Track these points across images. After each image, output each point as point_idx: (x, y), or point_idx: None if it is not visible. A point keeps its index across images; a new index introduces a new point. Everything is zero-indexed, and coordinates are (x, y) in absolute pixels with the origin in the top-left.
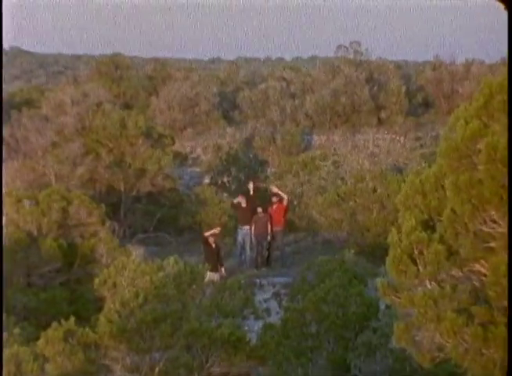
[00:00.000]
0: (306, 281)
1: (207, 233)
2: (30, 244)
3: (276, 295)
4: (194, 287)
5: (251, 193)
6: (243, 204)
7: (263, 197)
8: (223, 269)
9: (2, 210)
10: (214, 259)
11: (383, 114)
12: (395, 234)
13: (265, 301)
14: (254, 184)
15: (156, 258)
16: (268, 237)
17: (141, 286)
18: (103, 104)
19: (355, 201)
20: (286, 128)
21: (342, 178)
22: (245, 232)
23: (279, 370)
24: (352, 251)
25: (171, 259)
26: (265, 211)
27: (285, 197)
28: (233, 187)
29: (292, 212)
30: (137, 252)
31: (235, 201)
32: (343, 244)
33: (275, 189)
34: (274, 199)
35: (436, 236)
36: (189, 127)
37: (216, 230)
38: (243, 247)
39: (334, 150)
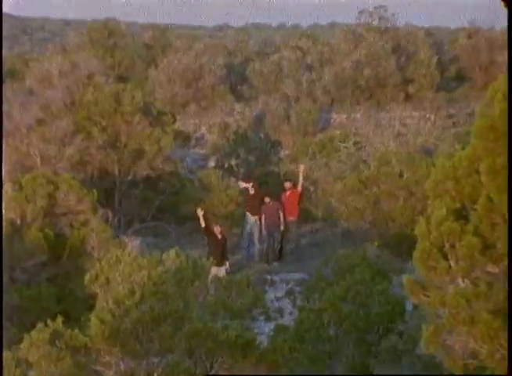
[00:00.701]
0: (323, 278)
1: (202, 223)
2: (12, 235)
3: (290, 293)
4: (197, 283)
5: (252, 192)
6: (251, 191)
7: (275, 183)
8: (227, 264)
9: (2, 206)
10: (220, 252)
11: (411, 89)
12: (424, 225)
13: (277, 299)
14: (253, 184)
15: (155, 251)
16: (281, 228)
17: (137, 282)
18: (95, 76)
19: (379, 187)
20: (302, 105)
21: (364, 162)
22: (253, 222)
23: None
24: (375, 244)
25: (172, 252)
26: (276, 198)
27: (301, 182)
28: (242, 171)
29: (308, 200)
30: (133, 244)
31: (241, 186)
32: (365, 236)
33: (301, 168)
34: (287, 184)
35: (470, 227)
36: (192, 103)
37: (200, 212)
38: (251, 240)
39: (356, 129)
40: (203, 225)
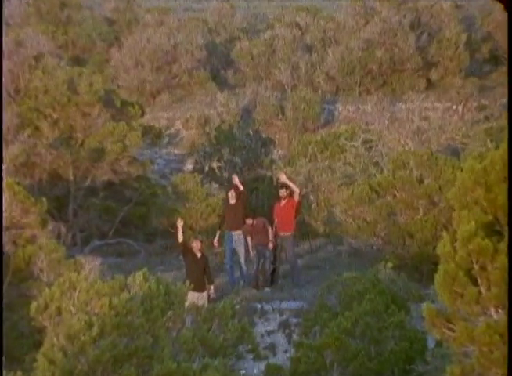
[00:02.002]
0: (326, 307)
1: (180, 238)
2: None
3: (284, 326)
4: (170, 313)
5: (240, 188)
6: (232, 200)
7: (267, 190)
8: (212, 289)
9: (2, 209)
10: (200, 275)
11: (434, 74)
12: (448, 242)
13: (269, 333)
14: (234, 191)
15: (118, 274)
16: (271, 245)
17: (96, 312)
18: (45, 57)
19: (394, 196)
20: (300, 95)
21: (376, 164)
22: (237, 238)
23: None
24: (390, 265)
25: (139, 275)
26: (268, 209)
27: (297, 189)
28: (226, 175)
29: (307, 210)
30: (91, 265)
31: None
32: (377, 256)
33: (283, 178)
34: (282, 192)
35: (503, 245)
36: (165, 91)
37: (179, 223)
38: (232, 260)
39: (366, 124)
40: (180, 239)
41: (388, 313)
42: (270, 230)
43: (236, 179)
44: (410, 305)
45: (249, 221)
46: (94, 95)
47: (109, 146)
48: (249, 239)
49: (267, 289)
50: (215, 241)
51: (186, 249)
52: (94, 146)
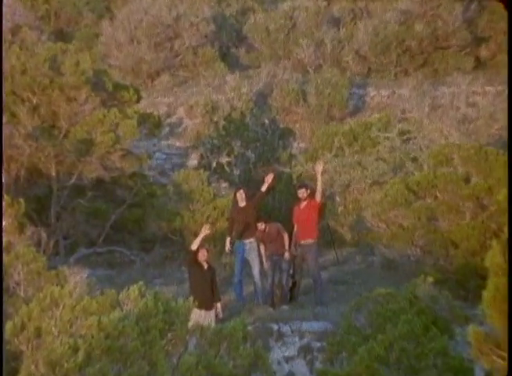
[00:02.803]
0: (355, 329)
1: (194, 245)
2: None
3: (306, 351)
4: (170, 335)
5: (242, 204)
6: (241, 203)
7: (285, 190)
8: (219, 307)
9: (2, 210)
10: (207, 290)
11: (484, 52)
12: (498, 253)
13: (287, 360)
14: (244, 192)
15: (109, 288)
16: (287, 254)
17: (82, 334)
18: (22, 31)
19: (436, 197)
20: (325, 77)
21: (414, 160)
22: (249, 247)
23: None
24: (430, 280)
25: (134, 289)
26: (286, 212)
27: (319, 187)
28: (237, 172)
29: (332, 214)
30: (77, 278)
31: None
32: (414, 268)
33: (319, 169)
34: (301, 192)
35: None
36: (165, 73)
37: (205, 230)
38: (242, 273)
39: (403, 112)
40: (194, 246)
41: (428, 337)
42: (286, 237)
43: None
44: (454, 328)
45: (260, 226)
46: (81, 76)
47: (99, 137)
48: (262, 248)
49: (285, 307)
50: (227, 247)
51: (192, 260)
52: (81, 137)
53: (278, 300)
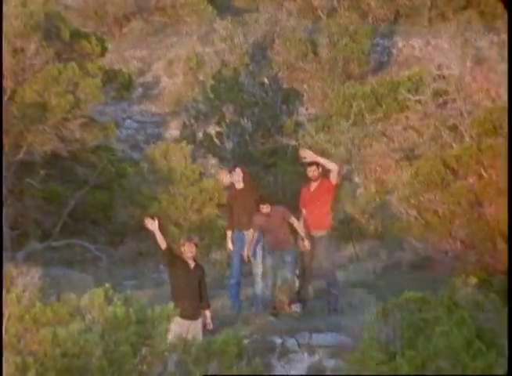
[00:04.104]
0: (378, 343)
1: (162, 243)
2: None
3: (317, 371)
4: (145, 351)
5: (240, 186)
6: (238, 185)
7: (290, 168)
8: (209, 316)
9: (3, 210)
10: (192, 294)
11: None
12: None
13: None
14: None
15: (68, 292)
16: (307, 244)
17: (33, 350)
18: None
19: (480, 177)
20: (340, 23)
21: (453, 128)
22: (249, 238)
23: None
24: (473, 282)
25: (98, 294)
26: (292, 196)
27: (334, 166)
28: (229, 146)
29: (350, 199)
30: (27, 279)
31: (224, 180)
32: (453, 267)
33: (308, 155)
34: (311, 171)
35: None
36: (137, 18)
37: (151, 225)
38: (241, 272)
39: (439, 67)
40: (163, 245)
41: (471, 354)
42: (296, 223)
43: (225, 177)
44: (503, 342)
45: (265, 209)
46: (29, 20)
47: (53, 100)
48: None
49: (291, 314)
50: (229, 244)
51: (173, 257)
52: (30, 100)
53: (281, 307)
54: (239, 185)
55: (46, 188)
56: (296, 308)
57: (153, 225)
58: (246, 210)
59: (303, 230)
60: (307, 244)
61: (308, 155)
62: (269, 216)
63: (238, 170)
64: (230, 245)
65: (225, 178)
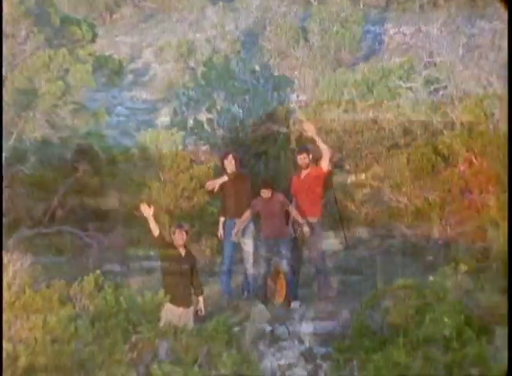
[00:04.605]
0: (368, 330)
1: (155, 230)
2: None
3: (307, 359)
4: (135, 338)
5: (232, 169)
6: (231, 170)
7: (281, 155)
8: (201, 302)
9: (3, 213)
10: (184, 281)
11: None
12: None
13: (284, 369)
14: (233, 157)
15: (58, 279)
16: (306, 229)
17: (24, 338)
18: None
19: (471, 164)
20: (331, 10)
21: (444, 115)
22: (240, 227)
23: None
24: (464, 268)
25: (89, 281)
26: (282, 184)
27: (326, 152)
28: (220, 132)
29: (340, 186)
30: (17, 266)
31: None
32: (444, 254)
33: (310, 129)
34: (301, 158)
35: None
36: (128, 4)
37: (146, 210)
38: (232, 260)
39: (430, 55)
40: (156, 232)
41: (462, 341)
42: (295, 212)
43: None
44: (494, 329)
45: (266, 192)
46: (19, 6)
47: (44, 87)
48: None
49: (281, 302)
50: (220, 232)
51: (165, 244)
52: (20, 86)
53: (272, 295)
54: (231, 173)
55: (36, 174)
56: (295, 305)
57: (147, 211)
58: (239, 197)
59: (300, 218)
60: (306, 229)
61: (310, 129)
62: (269, 202)
63: (230, 157)
64: (221, 231)
65: (216, 185)
